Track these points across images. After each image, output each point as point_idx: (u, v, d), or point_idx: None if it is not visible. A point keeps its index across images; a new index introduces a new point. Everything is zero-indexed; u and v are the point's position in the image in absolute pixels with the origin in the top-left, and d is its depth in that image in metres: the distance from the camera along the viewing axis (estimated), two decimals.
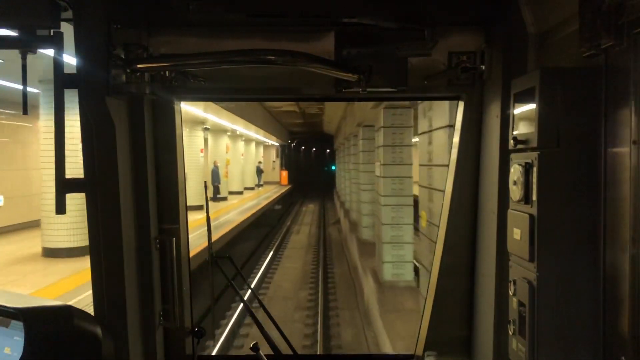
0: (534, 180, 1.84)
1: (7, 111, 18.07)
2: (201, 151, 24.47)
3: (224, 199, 28.90)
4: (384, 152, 12.01)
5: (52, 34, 1.94)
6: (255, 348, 2.50)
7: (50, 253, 12.89)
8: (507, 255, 2.10)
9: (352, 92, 2.39)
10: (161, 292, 2.52)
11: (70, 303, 2.15)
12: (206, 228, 2.76)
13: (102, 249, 2.21)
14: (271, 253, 20.23)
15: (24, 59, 1.96)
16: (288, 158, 60.63)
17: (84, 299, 8.51)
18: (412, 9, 2.27)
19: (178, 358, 2.64)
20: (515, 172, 1.96)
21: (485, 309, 2.45)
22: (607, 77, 1.70)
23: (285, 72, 2.41)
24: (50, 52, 1.97)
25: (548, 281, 1.82)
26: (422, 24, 2.25)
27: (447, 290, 2.64)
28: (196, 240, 10.64)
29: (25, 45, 1.94)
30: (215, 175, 27.72)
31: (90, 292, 2.24)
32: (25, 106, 2.16)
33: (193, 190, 21.24)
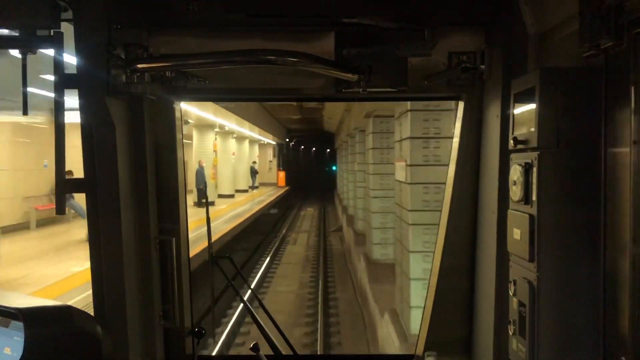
0: (534, 180, 1.84)
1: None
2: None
3: (211, 203, 24.47)
4: (412, 147, 8.21)
5: (52, 34, 1.95)
6: (256, 348, 2.50)
7: None
8: (507, 255, 2.10)
9: (352, 92, 2.39)
10: (161, 292, 2.52)
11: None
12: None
13: (102, 249, 2.21)
14: (261, 271, 16.39)
15: (24, 59, 1.96)
16: (286, 158, 57.13)
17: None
18: (412, 9, 2.27)
19: (178, 358, 2.64)
20: (515, 172, 1.96)
21: (485, 309, 2.44)
22: (607, 77, 1.70)
23: (285, 72, 2.41)
24: (50, 52, 1.98)
25: (548, 281, 1.82)
26: (422, 24, 2.25)
27: (447, 290, 2.64)
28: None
29: (25, 45, 1.94)
30: (199, 176, 24.09)
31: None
32: (26, 106, 2.16)
33: None
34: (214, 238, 16.76)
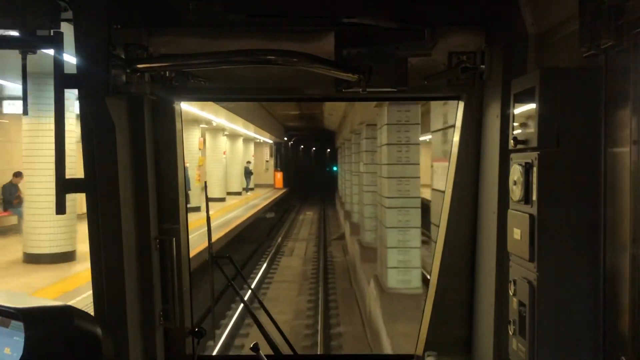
0: (534, 180, 1.84)
1: None
2: None
3: (196, 209, 19.83)
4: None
5: (52, 34, 1.95)
6: (256, 348, 2.50)
7: None
8: (507, 255, 2.10)
9: (352, 92, 2.38)
10: (161, 292, 2.52)
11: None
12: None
13: (102, 249, 2.21)
14: (248, 294, 10.12)
15: (24, 59, 1.96)
16: (284, 157, 52.82)
17: None
18: (412, 9, 2.27)
19: (178, 358, 2.64)
20: (515, 172, 1.96)
21: (485, 309, 2.44)
22: (607, 77, 1.70)
23: (285, 72, 2.40)
24: (50, 52, 1.98)
25: (548, 281, 1.82)
26: (422, 24, 2.25)
27: (447, 290, 2.64)
28: None
29: (25, 45, 1.94)
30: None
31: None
32: (26, 106, 2.16)
33: None
34: (192, 253, 15.61)
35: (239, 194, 33.13)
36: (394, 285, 10.50)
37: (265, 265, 17.35)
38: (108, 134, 2.14)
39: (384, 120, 11.08)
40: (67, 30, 1.98)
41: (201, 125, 24.78)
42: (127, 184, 2.27)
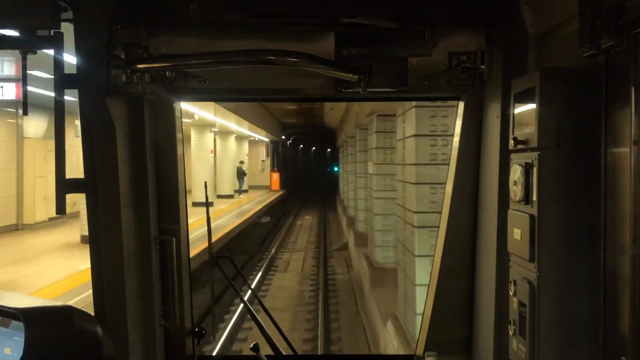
0: (534, 180, 1.84)
1: None
2: None
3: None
4: None
5: (52, 34, 1.94)
6: (256, 348, 2.50)
7: None
8: (507, 255, 2.09)
9: (352, 92, 2.38)
10: (161, 292, 2.52)
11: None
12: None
13: (102, 248, 2.21)
14: (229, 326, 10.67)
15: (24, 59, 1.96)
16: (282, 157, 49.57)
17: None
18: (412, 9, 2.27)
19: (178, 358, 2.64)
20: (516, 172, 1.96)
21: (485, 309, 2.44)
22: (607, 77, 1.70)
23: (285, 72, 2.41)
24: (50, 52, 1.97)
25: (548, 281, 1.82)
26: (422, 24, 2.25)
27: (447, 290, 2.64)
28: None
29: (26, 45, 1.94)
30: None
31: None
32: (26, 107, 2.16)
33: None
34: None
35: (230, 196, 30.09)
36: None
37: (253, 285, 13.89)
38: (108, 134, 2.14)
39: (408, 104, 7.97)
40: (67, 30, 1.98)
41: (185, 120, 21.86)
42: (127, 184, 2.27)
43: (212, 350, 9.15)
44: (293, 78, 2.46)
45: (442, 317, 2.67)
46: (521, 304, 1.92)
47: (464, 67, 2.35)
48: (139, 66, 2.19)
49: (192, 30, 2.42)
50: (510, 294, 2.02)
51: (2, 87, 13.09)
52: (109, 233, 2.20)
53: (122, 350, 2.25)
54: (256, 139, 39.57)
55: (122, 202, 2.20)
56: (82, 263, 11.65)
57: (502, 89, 2.22)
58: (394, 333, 8.01)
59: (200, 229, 12.32)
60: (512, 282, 2.00)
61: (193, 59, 2.23)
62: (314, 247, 21.80)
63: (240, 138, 34.95)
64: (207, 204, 2.82)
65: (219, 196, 27.41)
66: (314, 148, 60.99)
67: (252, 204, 27.53)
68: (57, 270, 11.72)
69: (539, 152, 1.83)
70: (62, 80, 2.00)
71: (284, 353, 2.69)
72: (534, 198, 1.85)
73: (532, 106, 1.87)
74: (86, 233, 9.52)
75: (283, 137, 46.33)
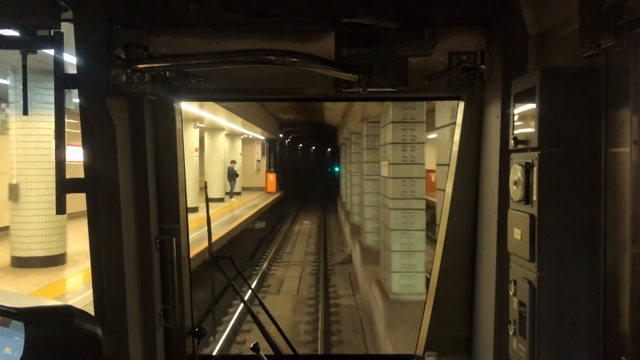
0: (534, 180, 1.84)
1: None
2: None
3: None
4: None
5: (52, 34, 1.94)
6: (256, 348, 2.50)
7: None
8: (507, 255, 2.10)
9: (353, 92, 2.39)
10: (161, 292, 2.52)
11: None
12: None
13: (102, 249, 2.21)
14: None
15: (24, 59, 1.96)
16: (279, 157, 46.39)
17: None
18: (412, 9, 2.27)
19: (178, 358, 2.64)
20: (516, 172, 1.96)
21: (485, 309, 2.44)
22: (607, 77, 1.70)
23: (285, 72, 2.41)
24: (50, 52, 1.97)
25: (548, 281, 1.82)
26: (422, 24, 2.25)
27: (447, 290, 2.64)
28: None
29: (26, 45, 1.94)
30: None
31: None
32: (26, 107, 2.16)
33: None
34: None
35: (221, 200, 27.55)
36: None
37: (236, 316, 10.95)
38: (108, 134, 2.14)
39: None
40: (67, 30, 1.98)
41: None
42: (127, 184, 2.27)
43: (212, 350, 9.16)
44: (293, 78, 2.46)
45: (442, 317, 2.67)
46: (521, 303, 1.92)
47: (464, 67, 2.35)
48: (139, 66, 2.19)
49: (192, 30, 2.42)
50: (510, 293, 2.03)
51: None
52: (109, 233, 2.20)
53: (122, 350, 2.25)
54: (250, 136, 36.45)
55: (122, 202, 2.20)
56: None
57: (502, 89, 2.22)
58: None
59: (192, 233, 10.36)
60: (512, 282, 2.01)
61: (193, 59, 2.23)
62: (313, 260, 18.94)
63: (232, 136, 31.91)
64: (207, 204, 2.82)
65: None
66: (313, 148, 59.76)
67: (244, 208, 24.30)
68: None
69: (539, 152, 1.83)
70: (62, 80, 2.00)
71: (284, 353, 2.69)
72: (534, 198, 1.85)
73: (532, 106, 1.87)
74: (19, 254, 9.50)
75: (281, 135, 43.62)
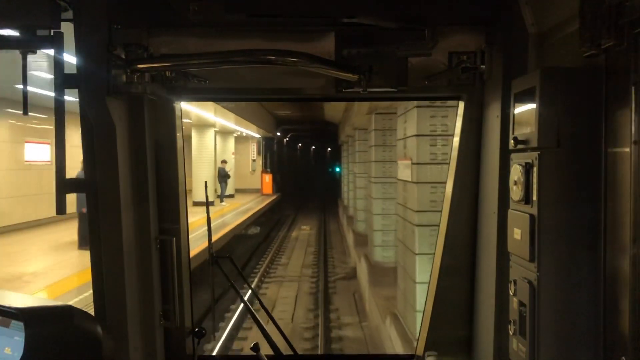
0: (534, 180, 1.84)
1: None
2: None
3: None
4: None
5: (52, 34, 1.94)
6: (256, 348, 2.50)
7: None
8: (507, 255, 2.10)
9: (353, 92, 2.39)
10: (161, 292, 2.52)
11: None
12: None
13: (103, 248, 2.21)
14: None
15: (24, 59, 1.96)
16: (276, 156, 43.41)
17: None
18: (412, 9, 2.27)
19: (178, 358, 2.64)
20: (516, 172, 1.96)
21: (485, 309, 2.44)
22: (607, 77, 1.70)
23: (285, 72, 2.40)
24: (50, 52, 1.97)
25: (548, 281, 1.82)
26: (422, 24, 2.25)
27: (447, 290, 2.64)
28: None
29: (26, 45, 1.94)
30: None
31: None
32: (26, 107, 2.16)
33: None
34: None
35: (211, 203, 17.51)
36: None
37: (218, 349, 9.12)
38: (108, 134, 2.14)
39: None
40: (67, 30, 1.98)
41: None
42: (127, 183, 2.27)
43: (212, 350, 9.15)
44: (293, 78, 2.46)
45: (442, 317, 2.67)
46: (521, 303, 1.92)
47: (464, 67, 2.36)
48: (139, 66, 2.19)
49: (192, 30, 2.42)
50: (510, 293, 2.03)
51: None
52: (109, 233, 2.20)
53: (122, 350, 2.25)
54: (244, 134, 33.64)
55: (122, 202, 2.20)
56: None
57: (502, 89, 2.22)
58: None
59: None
60: (512, 282, 2.01)
61: (193, 59, 2.23)
62: (311, 274, 16.17)
63: (224, 133, 29.14)
64: (207, 204, 2.82)
65: (195, 204, 18.47)
66: (313, 147, 58.48)
67: (236, 213, 21.68)
68: None
69: (539, 152, 1.83)
70: (62, 80, 2.00)
71: (284, 353, 2.69)
72: (534, 198, 1.85)
73: (532, 106, 1.87)
74: None
75: (278, 133, 40.62)
